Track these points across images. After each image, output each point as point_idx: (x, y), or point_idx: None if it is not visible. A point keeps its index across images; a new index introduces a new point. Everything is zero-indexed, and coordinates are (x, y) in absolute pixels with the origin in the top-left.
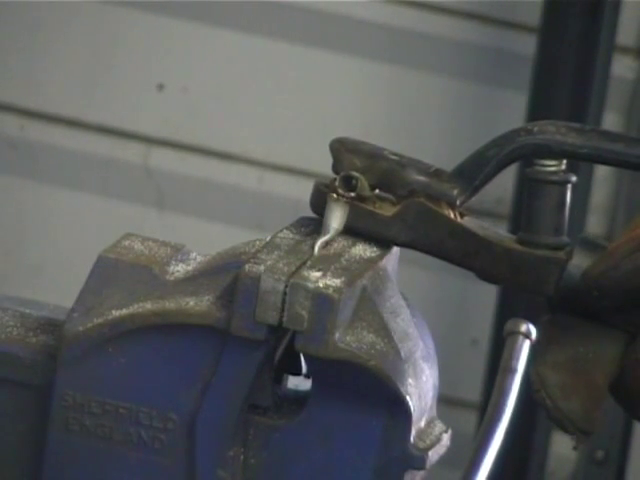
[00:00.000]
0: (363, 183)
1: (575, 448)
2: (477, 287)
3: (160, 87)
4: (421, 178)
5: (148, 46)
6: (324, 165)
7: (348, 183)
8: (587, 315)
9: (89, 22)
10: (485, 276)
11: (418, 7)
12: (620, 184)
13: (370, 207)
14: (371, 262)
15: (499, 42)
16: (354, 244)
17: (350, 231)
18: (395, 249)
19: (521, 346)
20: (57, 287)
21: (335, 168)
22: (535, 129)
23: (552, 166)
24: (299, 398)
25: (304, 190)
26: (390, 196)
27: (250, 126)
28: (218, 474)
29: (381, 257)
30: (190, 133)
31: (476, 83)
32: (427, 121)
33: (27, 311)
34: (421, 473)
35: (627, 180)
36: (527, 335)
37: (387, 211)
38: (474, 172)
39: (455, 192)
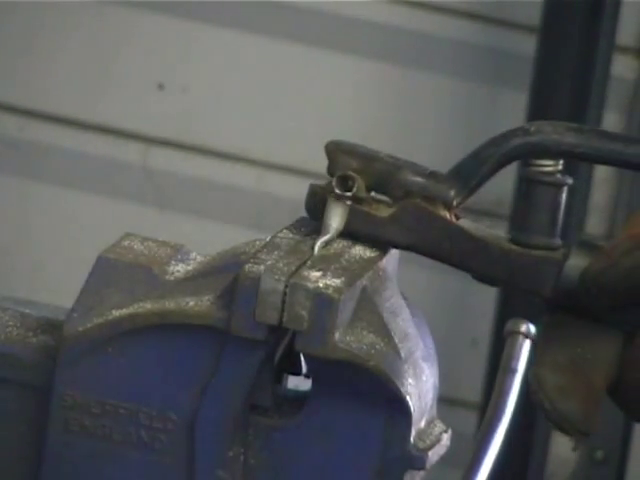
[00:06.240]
0: (360, 183)
1: (574, 449)
2: (477, 287)
3: (160, 87)
4: (417, 179)
5: (148, 46)
6: (324, 165)
7: (344, 183)
8: (585, 315)
9: (89, 22)
10: (482, 277)
11: (418, 7)
12: (620, 185)
13: (366, 209)
14: (371, 262)
15: (499, 42)
16: (354, 244)
17: (347, 233)
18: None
19: (521, 346)
20: (57, 287)
21: (330, 170)
22: (532, 129)
23: (549, 166)
24: (299, 398)
25: (304, 190)
26: (386, 198)
27: (250, 126)
28: (218, 474)
29: (381, 257)
30: (190, 133)
31: (476, 83)
32: (427, 121)
33: (27, 311)
34: (421, 473)
35: (627, 181)
36: (527, 335)
37: (383, 213)
38: (471, 172)
39: (452, 193)
